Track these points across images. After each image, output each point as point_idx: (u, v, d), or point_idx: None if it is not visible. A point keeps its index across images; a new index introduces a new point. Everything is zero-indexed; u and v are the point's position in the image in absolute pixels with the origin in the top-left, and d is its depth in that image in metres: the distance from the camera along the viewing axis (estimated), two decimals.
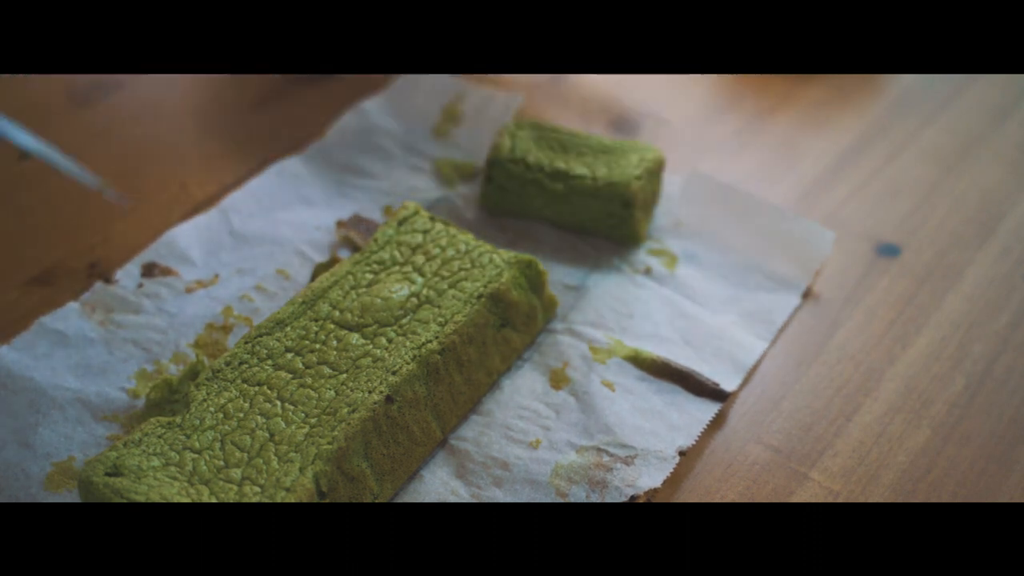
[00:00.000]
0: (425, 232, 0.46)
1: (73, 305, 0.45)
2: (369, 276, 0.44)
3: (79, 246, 0.50)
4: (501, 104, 0.57)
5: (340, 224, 0.51)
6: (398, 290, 0.43)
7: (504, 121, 0.55)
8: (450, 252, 0.45)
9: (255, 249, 0.50)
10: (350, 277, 0.44)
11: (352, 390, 0.39)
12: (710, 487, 0.42)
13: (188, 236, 0.49)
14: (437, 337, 0.42)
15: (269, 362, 0.40)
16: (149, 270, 0.48)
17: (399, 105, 0.58)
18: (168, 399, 0.41)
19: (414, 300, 0.43)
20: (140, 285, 0.47)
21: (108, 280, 0.47)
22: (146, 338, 0.45)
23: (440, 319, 0.42)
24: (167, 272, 0.48)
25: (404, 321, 0.42)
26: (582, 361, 0.46)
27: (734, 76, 0.65)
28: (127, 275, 0.47)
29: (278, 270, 0.48)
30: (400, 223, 0.47)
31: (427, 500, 0.40)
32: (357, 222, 0.51)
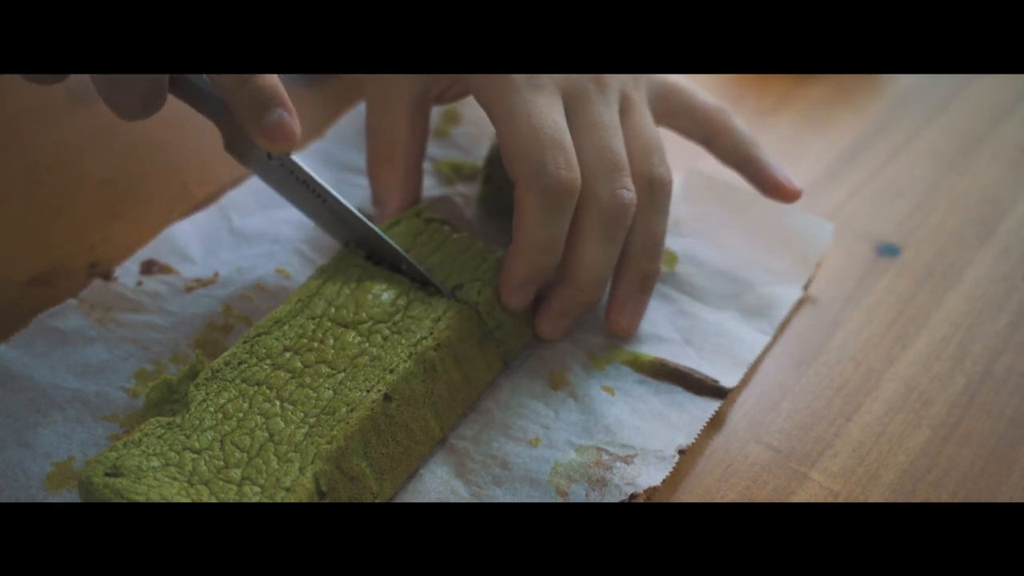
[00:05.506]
0: (416, 235, 0.46)
1: (72, 303, 0.45)
2: (358, 271, 0.44)
3: (79, 246, 0.50)
4: None
5: None
6: (385, 289, 0.43)
7: None
8: (444, 252, 0.45)
9: (255, 248, 0.50)
10: (341, 273, 0.44)
11: (350, 389, 0.39)
12: (710, 487, 0.42)
13: (187, 234, 0.49)
14: (431, 333, 0.42)
15: (268, 361, 0.40)
16: (148, 268, 0.47)
17: None
18: (167, 399, 0.41)
19: (404, 297, 0.43)
20: (139, 283, 0.47)
21: (107, 277, 0.47)
22: (145, 337, 0.45)
23: (433, 315, 0.42)
24: (166, 270, 0.48)
25: (397, 318, 0.42)
26: (581, 368, 0.46)
27: (734, 76, 0.65)
28: (126, 273, 0.47)
29: (278, 269, 0.48)
30: (391, 226, 0.47)
31: (427, 499, 0.40)
32: None
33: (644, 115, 0.47)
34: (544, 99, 0.43)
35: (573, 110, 0.44)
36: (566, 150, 0.42)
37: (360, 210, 0.45)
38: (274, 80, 0.42)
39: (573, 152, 0.42)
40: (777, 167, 0.50)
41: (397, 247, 0.45)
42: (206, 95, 0.44)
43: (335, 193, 0.45)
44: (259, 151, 0.45)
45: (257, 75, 0.41)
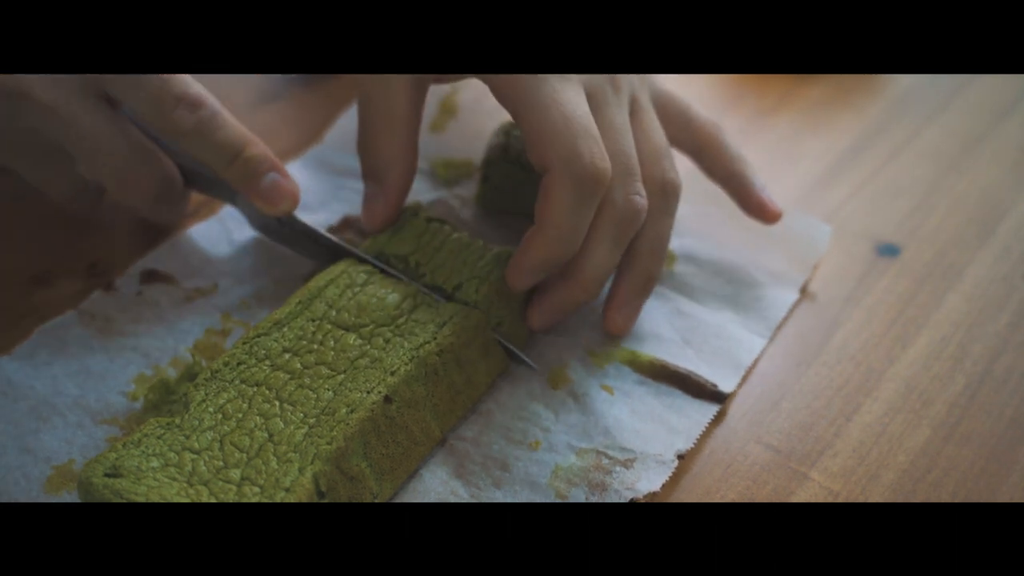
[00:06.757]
0: (419, 236, 0.46)
1: (72, 314, 0.45)
2: (364, 276, 0.44)
3: (78, 246, 0.50)
4: None
5: (330, 230, 0.51)
6: (390, 292, 0.43)
7: (500, 112, 0.55)
8: (446, 251, 0.45)
9: (254, 257, 0.50)
10: (345, 276, 0.44)
11: (350, 390, 0.39)
12: (710, 487, 0.42)
13: (187, 244, 0.50)
14: (435, 338, 0.42)
15: (267, 362, 0.40)
16: (148, 277, 0.48)
17: None
18: (165, 400, 0.41)
19: (410, 300, 0.43)
20: (139, 292, 0.47)
21: (107, 288, 0.47)
22: (145, 344, 0.45)
23: (438, 320, 0.42)
24: (167, 280, 0.48)
25: (401, 321, 0.42)
26: (580, 365, 0.46)
27: (734, 76, 0.65)
28: (126, 283, 0.47)
29: (276, 279, 0.48)
30: (395, 233, 0.46)
31: (427, 500, 0.40)
32: (347, 225, 0.51)
33: (653, 119, 0.47)
34: (572, 90, 0.43)
35: (592, 108, 0.44)
36: (599, 141, 0.42)
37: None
38: (263, 149, 0.45)
39: (603, 144, 0.42)
40: (762, 187, 0.50)
41: (411, 282, 0.45)
42: (218, 183, 0.47)
43: (346, 245, 0.46)
44: (271, 222, 0.48)
45: (246, 147, 0.44)
